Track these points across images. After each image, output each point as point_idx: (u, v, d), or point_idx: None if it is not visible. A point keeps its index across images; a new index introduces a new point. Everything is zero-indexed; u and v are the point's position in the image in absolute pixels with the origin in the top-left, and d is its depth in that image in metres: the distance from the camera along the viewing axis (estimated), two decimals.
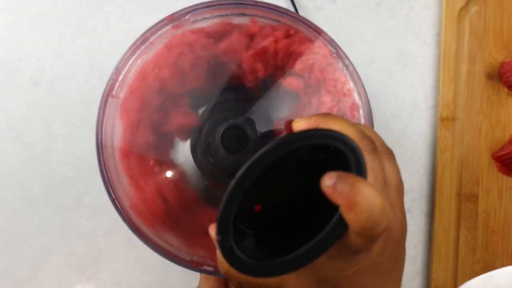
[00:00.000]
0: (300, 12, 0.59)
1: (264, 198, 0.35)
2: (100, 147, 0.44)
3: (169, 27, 0.43)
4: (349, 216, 0.27)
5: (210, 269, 0.43)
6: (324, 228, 0.29)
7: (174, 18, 0.43)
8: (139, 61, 0.43)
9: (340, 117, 0.33)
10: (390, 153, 0.34)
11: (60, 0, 0.59)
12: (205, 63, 0.46)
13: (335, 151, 0.29)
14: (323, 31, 0.45)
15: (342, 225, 0.28)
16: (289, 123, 0.35)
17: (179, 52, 0.45)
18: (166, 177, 0.47)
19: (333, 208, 0.29)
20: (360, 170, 0.29)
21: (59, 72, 0.59)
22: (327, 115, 0.33)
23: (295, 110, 0.46)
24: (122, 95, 0.43)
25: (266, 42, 0.46)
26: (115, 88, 0.43)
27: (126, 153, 0.44)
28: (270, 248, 0.32)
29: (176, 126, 0.46)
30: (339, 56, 0.44)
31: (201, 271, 0.43)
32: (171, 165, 0.46)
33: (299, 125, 0.34)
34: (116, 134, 0.44)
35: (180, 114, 0.47)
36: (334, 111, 0.44)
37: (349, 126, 0.32)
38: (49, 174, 0.58)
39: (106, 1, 0.59)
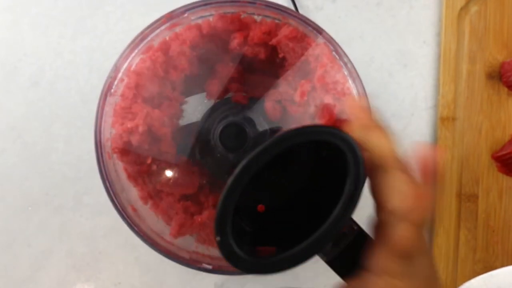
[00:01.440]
0: (300, 12, 0.59)
1: (265, 195, 0.35)
2: (99, 145, 0.44)
3: (167, 25, 0.44)
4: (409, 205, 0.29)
5: (209, 267, 0.43)
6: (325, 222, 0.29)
7: (173, 16, 0.43)
8: (138, 58, 0.43)
9: (385, 131, 0.32)
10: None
11: (60, 0, 0.59)
12: (206, 61, 0.46)
13: (335, 148, 0.29)
14: (323, 30, 0.45)
15: (348, 209, 0.28)
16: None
17: (179, 49, 0.45)
18: (165, 176, 0.47)
19: (334, 204, 0.29)
20: (358, 167, 0.29)
21: (59, 72, 0.59)
22: (376, 127, 0.32)
23: (294, 109, 0.46)
24: (120, 93, 0.43)
25: (267, 41, 0.46)
26: (114, 86, 0.43)
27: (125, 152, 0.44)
28: (272, 246, 0.32)
29: (174, 125, 0.46)
30: (338, 54, 0.44)
31: (199, 269, 0.43)
32: (170, 164, 0.46)
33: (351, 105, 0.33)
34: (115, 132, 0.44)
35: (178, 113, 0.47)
36: (333, 110, 0.44)
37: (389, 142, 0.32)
38: (49, 174, 0.58)
39: (106, 1, 0.59)
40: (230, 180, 0.29)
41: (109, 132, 0.44)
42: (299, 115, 0.46)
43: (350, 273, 0.31)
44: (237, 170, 0.29)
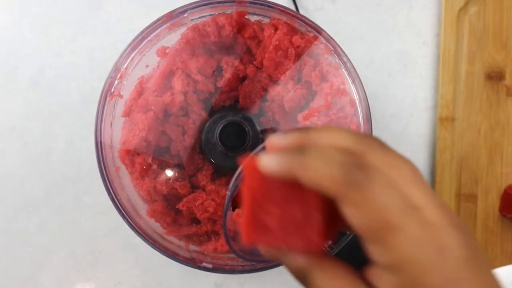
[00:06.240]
0: (301, 12, 0.59)
1: None
2: (99, 145, 0.44)
3: (168, 24, 0.44)
4: None
5: (209, 266, 0.43)
6: None
7: (173, 16, 0.43)
8: (139, 58, 0.44)
9: (326, 127, 0.29)
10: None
11: (60, 0, 0.59)
12: (207, 62, 0.47)
13: None
14: (323, 30, 0.45)
15: None
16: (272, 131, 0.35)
17: (182, 53, 0.45)
18: (166, 176, 0.47)
19: None
20: None
21: (59, 72, 0.59)
22: (309, 130, 0.29)
23: (293, 108, 0.46)
24: (121, 93, 0.43)
25: (266, 41, 0.46)
26: (114, 86, 0.43)
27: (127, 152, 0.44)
28: None
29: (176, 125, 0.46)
30: (337, 54, 0.44)
31: (199, 268, 0.43)
32: (171, 163, 0.46)
33: (275, 142, 0.28)
34: (116, 132, 0.44)
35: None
36: (334, 109, 0.44)
37: (340, 132, 0.29)
38: (49, 174, 0.58)
39: (106, 1, 0.59)
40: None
41: (110, 133, 0.44)
42: (298, 114, 0.46)
43: None
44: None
